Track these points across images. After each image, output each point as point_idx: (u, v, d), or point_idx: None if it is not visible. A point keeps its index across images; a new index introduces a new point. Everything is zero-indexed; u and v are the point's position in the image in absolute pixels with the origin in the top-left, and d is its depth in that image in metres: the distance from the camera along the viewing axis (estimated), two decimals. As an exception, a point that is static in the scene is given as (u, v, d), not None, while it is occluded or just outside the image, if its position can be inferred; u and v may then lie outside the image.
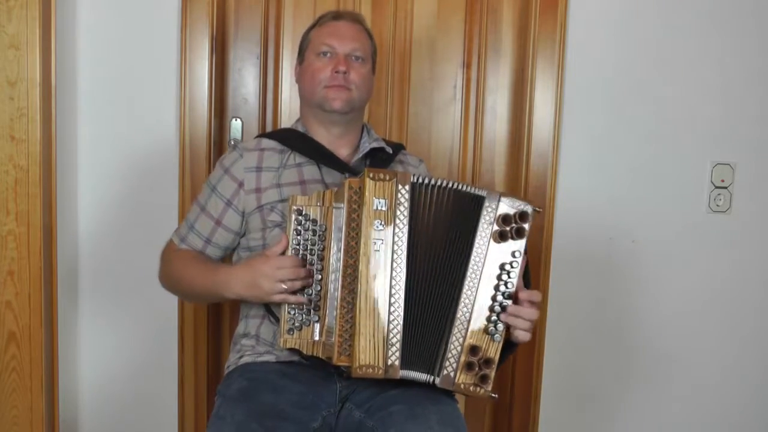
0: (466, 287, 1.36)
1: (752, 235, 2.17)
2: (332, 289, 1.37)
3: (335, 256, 1.37)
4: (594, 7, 2.05)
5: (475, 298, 1.36)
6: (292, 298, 1.37)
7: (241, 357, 1.52)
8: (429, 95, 2.12)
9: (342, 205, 1.36)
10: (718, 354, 2.20)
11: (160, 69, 1.98)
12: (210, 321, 2.05)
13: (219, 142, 2.05)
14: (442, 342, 1.36)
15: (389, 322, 1.33)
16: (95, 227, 2.01)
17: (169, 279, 1.59)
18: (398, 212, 1.34)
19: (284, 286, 1.36)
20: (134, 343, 2.06)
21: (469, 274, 1.36)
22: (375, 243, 1.33)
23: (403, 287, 1.34)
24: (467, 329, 1.35)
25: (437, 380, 1.35)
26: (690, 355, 2.20)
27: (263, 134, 1.66)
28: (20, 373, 1.84)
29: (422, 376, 1.36)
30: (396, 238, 1.34)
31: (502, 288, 1.36)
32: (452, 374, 1.35)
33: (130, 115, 1.99)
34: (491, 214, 1.36)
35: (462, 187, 1.38)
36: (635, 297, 2.16)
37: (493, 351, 1.36)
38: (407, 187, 1.35)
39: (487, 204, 1.36)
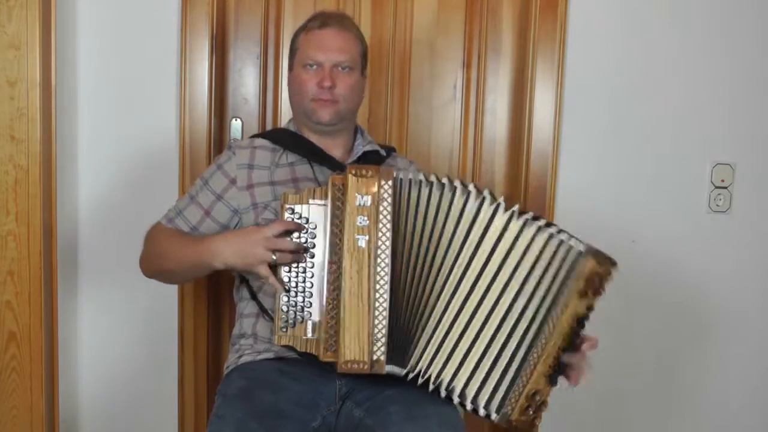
0: (544, 333, 1.34)
1: (752, 235, 2.17)
2: (322, 286, 1.37)
3: (323, 253, 1.37)
4: (594, 7, 2.05)
5: (546, 345, 1.34)
6: (272, 279, 1.37)
7: (240, 356, 1.52)
8: (429, 95, 2.12)
9: (328, 204, 1.37)
10: (719, 354, 2.20)
11: (160, 69, 1.98)
12: (210, 321, 2.05)
13: (219, 142, 2.05)
14: (499, 374, 1.34)
15: (374, 317, 1.33)
16: (95, 227, 2.01)
17: (153, 255, 1.58)
18: (381, 208, 1.35)
19: (274, 257, 1.36)
20: (134, 343, 2.06)
21: (548, 322, 1.34)
22: (358, 239, 1.34)
23: (388, 283, 1.34)
24: (533, 373, 1.34)
25: (495, 416, 1.34)
26: (690, 356, 2.20)
27: (257, 134, 1.68)
28: (20, 373, 1.84)
29: (399, 371, 1.35)
30: (380, 234, 1.34)
31: (575, 340, 1.36)
32: (509, 413, 1.34)
33: (130, 115, 1.99)
34: (582, 269, 1.33)
35: (562, 236, 1.34)
36: (635, 297, 2.16)
37: (546, 394, 1.36)
38: (390, 183, 1.35)
39: (582, 260, 1.32)
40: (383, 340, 1.33)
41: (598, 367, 2.16)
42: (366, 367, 1.33)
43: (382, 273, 1.34)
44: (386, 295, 1.34)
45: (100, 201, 2.01)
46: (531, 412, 1.35)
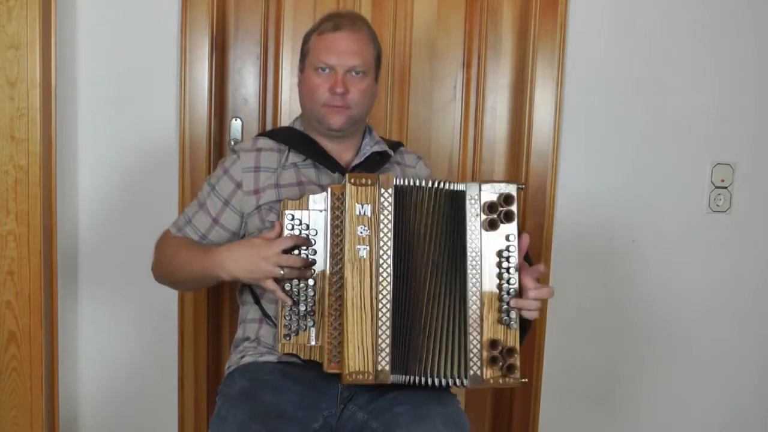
0: (470, 284, 1.35)
1: (752, 235, 2.17)
2: (323, 295, 1.36)
3: (324, 261, 1.36)
4: (594, 7, 2.05)
5: (481, 292, 1.35)
6: (280, 294, 1.37)
7: (242, 357, 1.51)
8: (429, 95, 2.12)
9: (327, 211, 1.35)
10: (719, 354, 2.20)
11: (160, 69, 1.98)
12: (210, 321, 2.05)
13: (219, 142, 2.05)
14: (452, 342, 1.35)
15: (377, 327, 1.32)
16: (95, 227, 2.01)
17: (163, 263, 1.57)
18: (382, 216, 1.33)
19: (281, 272, 1.35)
20: (134, 343, 2.06)
21: (469, 270, 1.35)
22: (359, 249, 1.32)
23: (390, 292, 1.33)
24: (482, 325, 1.34)
25: (466, 382, 1.34)
26: (690, 356, 2.20)
27: (261, 133, 1.65)
28: (20, 373, 1.84)
29: (403, 379, 1.35)
30: (381, 243, 1.33)
31: (506, 275, 1.35)
32: (479, 372, 1.34)
33: (130, 115, 1.99)
34: (476, 206, 1.35)
35: (444, 185, 1.37)
36: (635, 297, 2.16)
37: (513, 339, 1.35)
38: (390, 191, 1.34)
39: (469, 196, 1.36)
40: (387, 350, 1.33)
41: (597, 366, 2.18)
42: (371, 377, 1.32)
43: (384, 283, 1.33)
44: (389, 305, 1.33)
45: (100, 201, 2.01)
46: (502, 363, 1.34)
